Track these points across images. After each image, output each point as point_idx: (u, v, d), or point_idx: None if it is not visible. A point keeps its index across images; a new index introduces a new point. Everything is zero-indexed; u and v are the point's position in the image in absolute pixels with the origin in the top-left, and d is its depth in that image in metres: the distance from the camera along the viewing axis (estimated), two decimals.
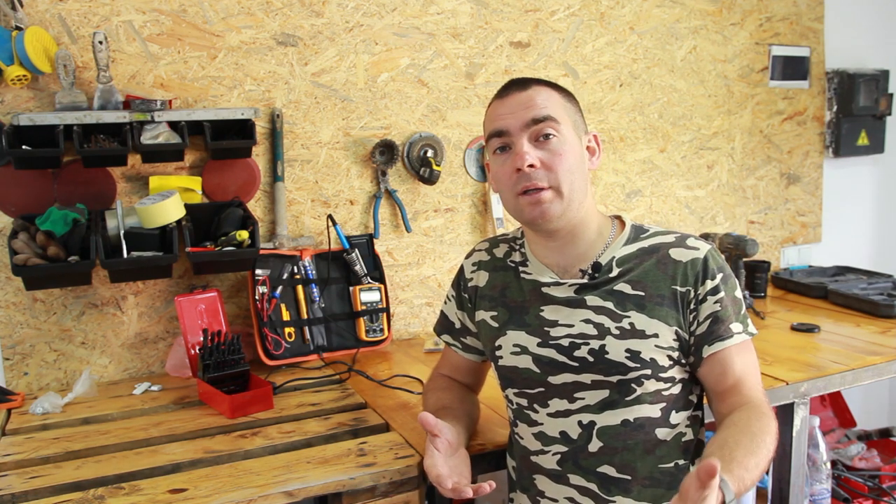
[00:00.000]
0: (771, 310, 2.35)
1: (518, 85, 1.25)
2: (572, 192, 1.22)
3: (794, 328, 2.12)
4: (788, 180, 2.84)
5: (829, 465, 2.03)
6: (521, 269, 1.34)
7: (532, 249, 1.34)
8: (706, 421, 1.33)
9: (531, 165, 1.20)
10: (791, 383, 1.70)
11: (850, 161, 2.96)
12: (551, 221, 1.23)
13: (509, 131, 1.23)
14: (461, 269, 1.44)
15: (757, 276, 2.51)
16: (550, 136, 1.22)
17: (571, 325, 1.25)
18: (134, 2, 1.82)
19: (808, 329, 2.09)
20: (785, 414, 1.74)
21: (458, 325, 1.45)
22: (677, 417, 1.25)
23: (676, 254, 1.24)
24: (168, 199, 1.75)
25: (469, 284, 1.41)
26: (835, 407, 2.63)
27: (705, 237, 2.40)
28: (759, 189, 2.78)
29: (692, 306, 1.22)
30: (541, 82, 1.26)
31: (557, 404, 1.26)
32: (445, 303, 1.48)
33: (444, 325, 1.49)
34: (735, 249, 2.29)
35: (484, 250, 1.42)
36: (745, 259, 2.32)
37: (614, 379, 1.21)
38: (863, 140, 2.90)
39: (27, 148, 1.68)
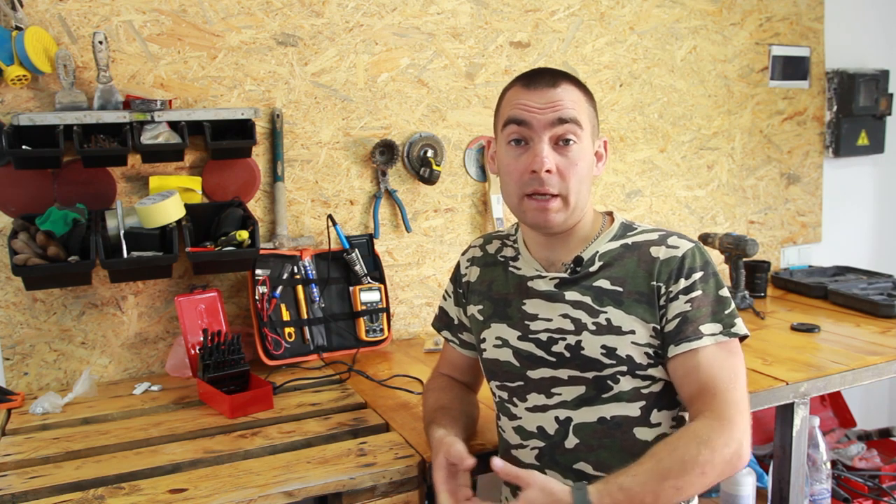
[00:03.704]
0: (771, 310, 2.35)
1: (548, 78, 1.22)
2: (578, 200, 1.22)
3: (794, 328, 2.12)
4: (788, 180, 2.84)
5: (829, 465, 2.03)
6: (510, 263, 1.35)
7: (525, 243, 1.34)
8: None
9: (548, 171, 1.19)
10: (791, 383, 1.70)
11: (850, 161, 2.96)
12: (553, 227, 1.24)
13: (531, 125, 1.20)
14: (457, 266, 1.46)
15: (757, 276, 2.51)
16: (571, 142, 1.20)
17: (550, 320, 1.25)
18: (134, 2, 1.82)
19: (808, 329, 2.09)
20: (785, 414, 1.74)
21: (456, 322, 1.46)
22: (659, 417, 1.23)
23: (656, 251, 1.23)
24: (168, 199, 1.75)
25: (463, 280, 1.43)
26: (835, 407, 2.63)
27: (705, 237, 2.41)
28: (759, 189, 2.78)
29: (661, 302, 1.20)
30: (570, 79, 1.23)
31: (535, 399, 1.26)
32: (444, 299, 1.49)
33: (443, 321, 1.50)
34: (735, 249, 2.29)
35: (478, 247, 1.43)
36: (745, 259, 2.32)
37: (590, 375, 1.21)
38: (863, 140, 2.90)
39: (27, 148, 1.68)
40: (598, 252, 1.26)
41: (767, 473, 1.99)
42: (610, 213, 1.33)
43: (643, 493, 1.05)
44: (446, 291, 1.49)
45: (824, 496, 2.01)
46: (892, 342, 1.96)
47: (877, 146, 2.95)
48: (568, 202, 1.21)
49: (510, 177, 1.24)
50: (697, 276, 1.20)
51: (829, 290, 2.42)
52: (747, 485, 1.87)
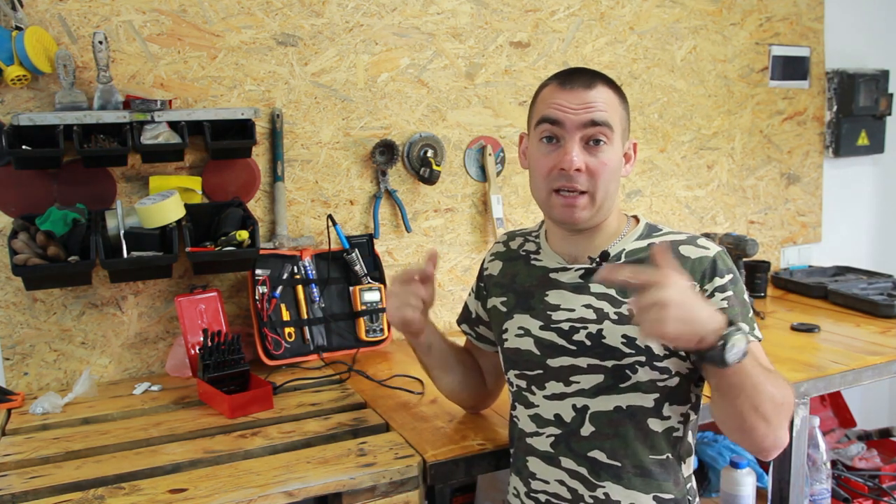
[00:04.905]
0: (771, 310, 2.35)
1: (584, 79, 1.24)
2: (605, 199, 1.25)
3: (794, 328, 2.12)
4: (788, 180, 2.84)
5: (829, 465, 2.03)
6: (532, 256, 1.38)
7: (548, 238, 1.37)
8: (703, 423, 1.33)
9: (577, 169, 1.21)
10: (791, 383, 1.69)
11: (850, 161, 2.96)
12: (578, 224, 1.26)
13: (564, 125, 1.23)
14: (482, 261, 1.50)
15: (757, 276, 2.51)
16: (601, 143, 1.23)
17: (573, 310, 1.27)
18: (134, 2, 1.81)
19: (808, 329, 2.09)
20: None
21: (473, 315, 1.50)
22: (670, 410, 1.25)
23: (686, 250, 1.26)
24: (168, 199, 1.75)
25: (485, 274, 1.46)
26: (835, 407, 2.63)
27: (706, 237, 2.41)
28: (759, 189, 2.78)
29: None
30: (605, 81, 1.26)
31: (554, 387, 1.28)
32: (469, 294, 1.53)
33: (463, 315, 1.54)
34: (735, 249, 2.29)
35: (501, 242, 1.47)
36: (745, 259, 2.32)
37: (609, 364, 1.23)
38: (863, 140, 2.90)
39: (27, 148, 1.68)
40: (624, 249, 1.29)
41: (767, 473, 1.99)
42: (635, 216, 1.36)
43: (758, 365, 1.10)
44: (471, 287, 1.53)
45: (824, 496, 2.01)
46: (892, 342, 1.96)
47: (877, 146, 2.95)
48: (595, 199, 1.24)
49: (539, 172, 1.27)
50: (729, 277, 1.23)
51: (829, 290, 2.42)
52: (747, 485, 1.87)
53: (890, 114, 2.92)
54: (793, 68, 2.77)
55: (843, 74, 2.81)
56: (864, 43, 2.90)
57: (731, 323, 1.05)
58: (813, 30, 2.79)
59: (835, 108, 2.84)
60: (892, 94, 2.91)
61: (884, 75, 2.87)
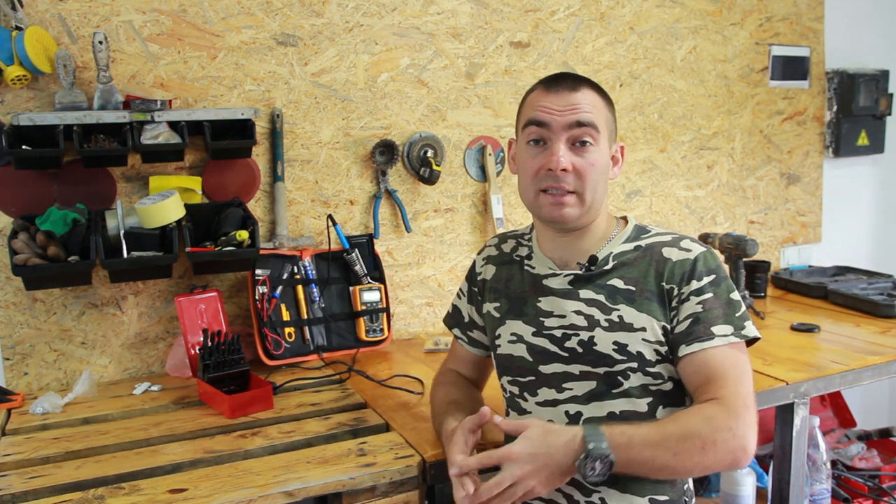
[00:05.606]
0: (771, 310, 2.35)
1: (569, 82, 1.26)
2: (593, 199, 1.25)
3: (794, 328, 2.12)
4: (788, 180, 2.84)
5: (829, 465, 2.03)
6: (525, 262, 1.37)
7: (539, 242, 1.37)
8: None
9: (564, 169, 1.22)
10: (791, 383, 1.70)
11: (850, 161, 2.96)
12: (567, 223, 1.26)
13: (550, 127, 1.24)
14: (473, 264, 1.49)
15: (757, 276, 2.51)
16: (587, 144, 1.24)
17: (564, 316, 1.27)
18: (134, 2, 1.82)
19: (808, 329, 2.09)
20: (785, 414, 1.74)
21: (466, 319, 1.49)
22: (664, 413, 1.24)
23: (668, 252, 1.26)
24: (168, 199, 1.75)
25: (478, 278, 1.45)
26: (835, 407, 2.63)
27: (705, 237, 2.41)
28: (759, 189, 2.78)
29: (673, 304, 1.22)
30: (590, 85, 1.27)
31: (546, 393, 1.28)
32: (458, 297, 1.52)
33: (454, 318, 1.52)
34: (735, 249, 2.29)
35: (493, 245, 1.46)
36: (745, 259, 2.32)
37: (601, 370, 1.23)
38: (863, 140, 2.90)
39: (27, 148, 1.68)
40: (612, 253, 1.29)
41: (767, 473, 1.99)
42: (624, 218, 1.36)
43: (643, 444, 1.09)
44: (460, 290, 1.51)
45: (824, 496, 2.01)
46: (892, 342, 1.96)
47: (877, 146, 2.95)
48: (583, 199, 1.24)
49: (526, 173, 1.27)
50: (709, 279, 1.22)
51: (829, 290, 2.42)
52: (747, 485, 1.88)
53: (890, 114, 2.92)
54: (793, 68, 2.77)
55: (843, 74, 2.81)
56: (864, 43, 2.90)
57: (584, 439, 1.08)
58: (813, 30, 2.79)
59: (835, 108, 2.84)
60: (892, 94, 2.91)
61: (884, 75, 2.87)
